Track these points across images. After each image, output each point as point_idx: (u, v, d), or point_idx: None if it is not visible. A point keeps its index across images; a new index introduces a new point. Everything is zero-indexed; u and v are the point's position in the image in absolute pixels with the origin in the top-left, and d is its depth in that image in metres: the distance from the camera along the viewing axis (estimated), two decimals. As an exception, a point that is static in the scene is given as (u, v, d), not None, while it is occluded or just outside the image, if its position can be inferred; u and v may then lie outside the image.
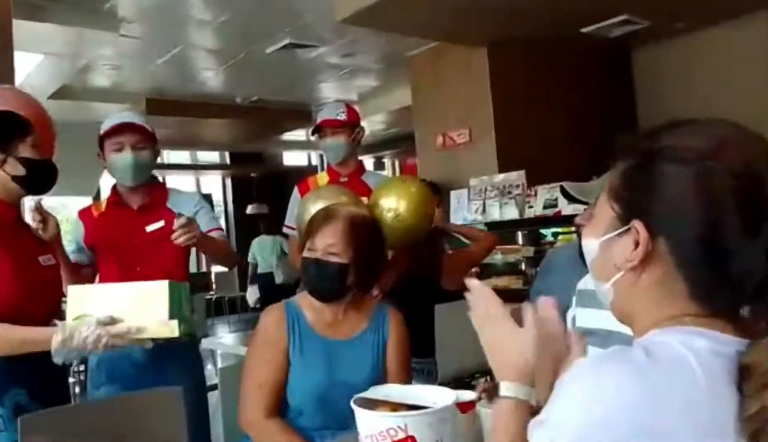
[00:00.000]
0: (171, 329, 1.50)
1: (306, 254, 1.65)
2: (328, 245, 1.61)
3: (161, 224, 2.03)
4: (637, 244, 0.73)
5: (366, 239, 1.65)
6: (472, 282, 0.94)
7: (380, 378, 1.64)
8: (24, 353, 1.50)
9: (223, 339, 4.91)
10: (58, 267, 1.77)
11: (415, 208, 2.21)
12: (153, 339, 1.53)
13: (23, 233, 1.70)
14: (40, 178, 1.67)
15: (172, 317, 1.50)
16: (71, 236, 2.12)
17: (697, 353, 0.67)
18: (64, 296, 1.73)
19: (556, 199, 4.45)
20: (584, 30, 5.16)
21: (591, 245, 0.80)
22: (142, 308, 1.51)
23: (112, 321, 1.47)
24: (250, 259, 8.32)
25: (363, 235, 1.64)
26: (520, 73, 5.46)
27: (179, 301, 1.55)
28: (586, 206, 1.65)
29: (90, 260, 2.11)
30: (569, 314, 1.63)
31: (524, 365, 0.86)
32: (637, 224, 0.73)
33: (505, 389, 0.86)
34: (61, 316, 1.76)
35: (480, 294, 0.93)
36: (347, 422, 1.48)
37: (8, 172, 1.59)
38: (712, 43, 5.50)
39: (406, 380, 1.70)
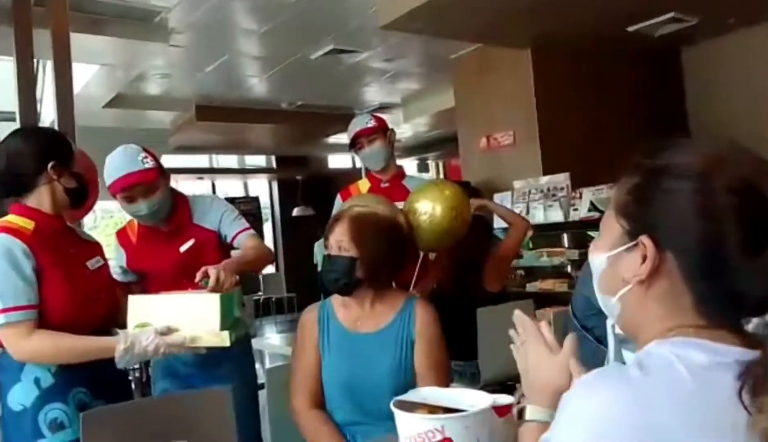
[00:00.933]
0: (222, 339, 1.63)
1: (325, 252, 1.79)
2: (338, 241, 1.74)
3: (192, 242, 2.09)
4: (644, 258, 0.75)
5: (372, 235, 1.74)
6: (516, 313, 1.01)
7: (405, 372, 1.70)
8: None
9: (270, 339, 5.03)
10: (106, 267, 1.86)
11: (449, 211, 2.24)
12: (206, 347, 1.65)
13: (70, 240, 1.78)
14: (87, 192, 1.79)
15: (223, 327, 1.63)
16: (115, 262, 2.17)
17: (685, 358, 0.69)
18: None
19: (601, 202, 4.39)
20: (630, 29, 5.07)
21: (599, 260, 0.83)
22: (196, 318, 1.64)
23: (169, 331, 1.61)
24: (315, 260, 8.45)
25: (368, 231, 1.74)
26: (565, 74, 5.40)
27: (231, 308, 1.68)
28: None
29: (137, 279, 2.18)
30: (609, 322, 1.62)
31: (552, 390, 0.90)
32: (644, 239, 0.75)
33: (530, 412, 0.91)
34: (118, 319, 1.87)
35: (522, 323, 0.99)
36: (377, 415, 1.59)
37: (63, 184, 1.70)
38: (763, 39, 5.32)
39: (439, 378, 1.70)
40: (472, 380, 2.94)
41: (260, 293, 9.59)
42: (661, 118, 5.52)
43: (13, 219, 1.65)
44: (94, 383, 1.68)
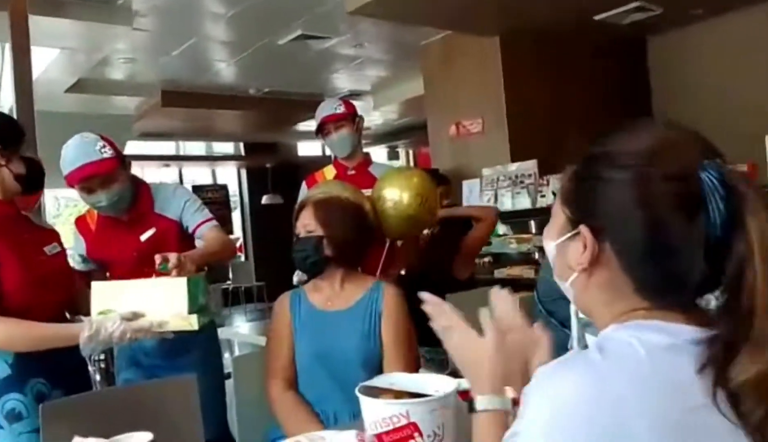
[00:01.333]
0: (190, 323, 1.62)
1: (294, 238, 1.86)
2: (305, 225, 1.82)
3: (153, 231, 2.06)
4: (585, 247, 0.76)
5: (338, 216, 1.82)
6: (426, 296, 0.98)
7: (374, 343, 1.76)
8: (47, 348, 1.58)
9: (239, 328, 4.99)
10: (64, 254, 1.82)
11: (415, 198, 2.24)
12: (174, 331, 1.63)
13: (25, 226, 1.74)
14: (39, 179, 1.74)
15: (191, 311, 1.62)
16: (74, 251, 2.13)
17: (645, 341, 0.70)
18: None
19: (568, 189, 4.45)
20: (597, 17, 5.13)
21: (549, 247, 0.83)
22: (162, 303, 1.62)
23: (135, 316, 1.58)
24: None
25: (334, 213, 1.83)
26: (533, 62, 5.44)
27: (197, 294, 1.66)
28: None
29: (98, 268, 2.14)
30: (572, 306, 1.65)
31: (492, 375, 0.89)
32: (583, 228, 0.76)
33: (480, 402, 0.88)
34: (75, 305, 1.83)
35: (438, 309, 0.96)
36: (350, 388, 1.59)
37: (12, 170, 1.65)
38: (730, 30, 5.42)
39: (407, 359, 1.75)
40: (441, 367, 2.95)
41: (229, 282, 9.51)
42: (628, 107, 5.61)
43: None
44: (52, 373, 1.65)
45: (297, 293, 1.88)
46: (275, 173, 10.74)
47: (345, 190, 1.94)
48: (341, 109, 2.56)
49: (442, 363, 2.99)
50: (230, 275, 9.70)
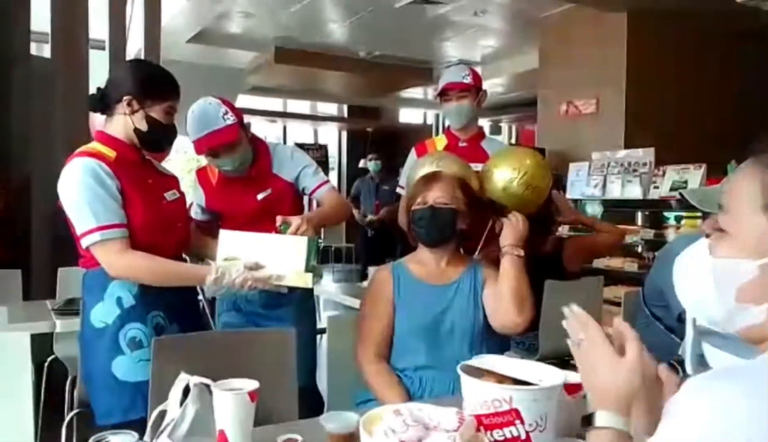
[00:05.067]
0: (305, 281, 1.69)
1: (417, 206, 1.85)
2: (438, 196, 1.82)
3: (269, 191, 2.14)
4: None
5: (468, 195, 1.87)
6: (571, 308, 0.92)
7: (474, 325, 1.78)
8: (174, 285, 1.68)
9: (327, 286, 5.11)
10: (182, 200, 1.89)
11: (528, 180, 2.16)
12: (289, 286, 1.70)
13: (148, 171, 1.81)
14: (159, 141, 1.78)
15: (307, 270, 1.68)
16: (194, 200, 2.22)
17: None
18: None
19: (685, 182, 4.17)
20: (739, 0, 4.69)
21: (744, 267, 0.74)
22: (283, 258, 1.69)
23: (257, 266, 1.66)
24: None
25: (467, 192, 1.88)
26: (663, 44, 5.08)
27: (312, 255, 1.72)
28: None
29: (214, 219, 2.22)
30: (688, 315, 1.54)
31: (624, 394, 0.83)
32: None
33: (603, 419, 0.83)
34: (190, 247, 1.91)
35: (579, 320, 0.91)
36: (449, 359, 1.66)
37: (134, 123, 1.70)
38: None
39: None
40: (529, 352, 2.89)
41: (321, 240, 9.71)
42: (765, 100, 5.14)
43: (96, 146, 1.69)
44: (171, 309, 1.74)
45: (398, 267, 1.88)
46: (375, 137, 10.78)
47: (465, 168, 1.98)
48: (467, 80, 2.48)
49: (530, 348, 2.92)
50: (323, 234, 9.91)
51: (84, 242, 1.62)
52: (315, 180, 2.19)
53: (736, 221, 0.74)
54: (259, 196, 2.13)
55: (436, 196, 1.82)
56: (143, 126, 1.70)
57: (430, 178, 1.88)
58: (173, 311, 1.74)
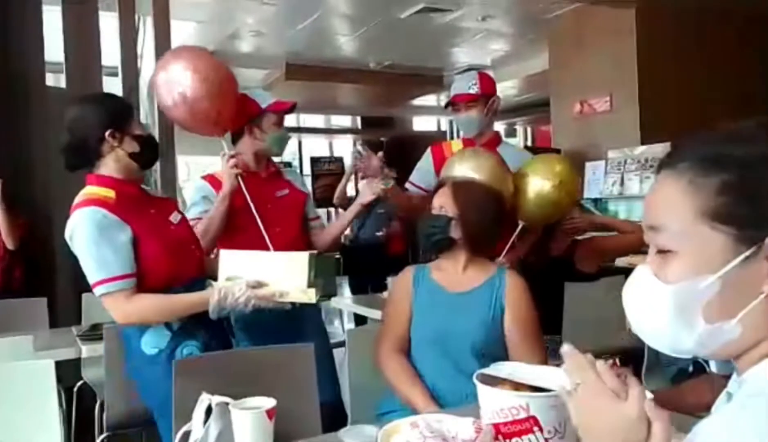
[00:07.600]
0: (309, 296, 1.69)
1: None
2: (440, 204, 1.85)
3: (286, 191, 2.25)
4: None
5: (475, 201, 1.83)
6: (565, 349, 0.82)
7: (492, 336, 1.75)
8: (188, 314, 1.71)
9: (349, 300, 5.11)
10: (185, 220, 1.90)
11: (559, 186, 2.25)
12: (292, 302, 1.71)
13: (147, 201, 1.80)
14: (153, 152, 1.78)
15: (310, 285, 1.69)
16: (201, 196, 2.17)
17: None
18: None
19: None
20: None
21: (704, 284, 0.68)
22: (285, 275, 1.70)
23: (259, 285, 1.67)
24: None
25: (472, 197, 1.84)
26: (673, 38, 5.03)
27: (315, 270, 1.72)
28: None
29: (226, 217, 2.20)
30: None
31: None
32: None
33: None
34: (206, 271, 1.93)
35: (575, 362, 0.80)
36: (462, 369, 1.66)
37: (126, 150, 1.69)
38: None
39: (537, 349, 1.74)
40: (553, 356, 2.86)
41: (337, 254, 9.70)
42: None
43: (94, 190, 1.67)
44: (202, 338, 1.76)
45: (420, 270, 1.89)
46: (389, 147, 10.80)
47: (491, 171, 2.03)
48: (474, 89, 2.46)
49: (554, 353, 2.89)
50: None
51: (96, 292, 1.64)
52: (315, 212, 2.37)
53: (677, 236, 0.70)
54: (278, 194, 2.22)
55: (440, 202, 1.85)
56: (135, 148, 1.71)
57: (439, 184, 1.94)
58: (206, 340, 1.77)
